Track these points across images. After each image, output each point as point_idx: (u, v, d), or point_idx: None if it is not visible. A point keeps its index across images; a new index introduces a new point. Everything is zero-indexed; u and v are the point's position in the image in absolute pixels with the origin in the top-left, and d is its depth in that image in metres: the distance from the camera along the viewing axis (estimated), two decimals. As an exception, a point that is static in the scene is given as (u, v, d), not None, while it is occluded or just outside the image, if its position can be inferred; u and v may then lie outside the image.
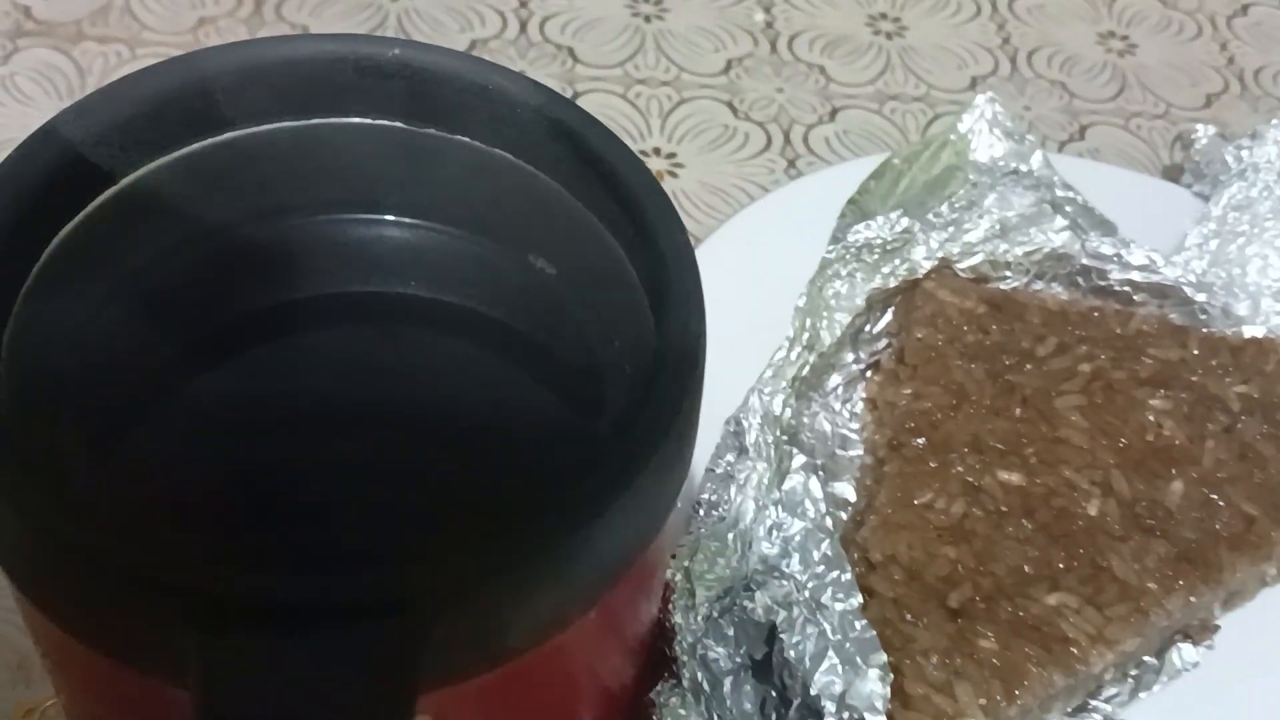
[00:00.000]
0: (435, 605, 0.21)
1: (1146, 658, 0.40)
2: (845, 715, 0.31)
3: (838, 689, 0.32)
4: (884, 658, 0.33)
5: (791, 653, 0.33)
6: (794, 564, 0.36)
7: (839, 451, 0.43)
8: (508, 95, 0.29)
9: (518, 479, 0.27)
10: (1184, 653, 0.40)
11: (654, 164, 0.53)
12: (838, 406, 0.44)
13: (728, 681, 0.34)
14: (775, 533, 0.37)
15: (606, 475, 0.23)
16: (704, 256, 0.47)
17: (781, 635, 0.33)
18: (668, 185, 0.53)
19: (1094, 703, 0.39)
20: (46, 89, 0.51)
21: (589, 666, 0.28)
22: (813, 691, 0.32)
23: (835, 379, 0.44)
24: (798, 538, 0.37)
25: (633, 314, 0.28)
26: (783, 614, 0.33)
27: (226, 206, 0.30)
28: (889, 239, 0.42)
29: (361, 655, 0.21)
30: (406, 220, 0.32)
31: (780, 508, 0.38)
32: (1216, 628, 0.41)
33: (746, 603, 0.34)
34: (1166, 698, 0.40)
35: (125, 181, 0.28)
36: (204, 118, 0.29)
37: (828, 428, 0.44)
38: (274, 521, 0.25)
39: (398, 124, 0.30)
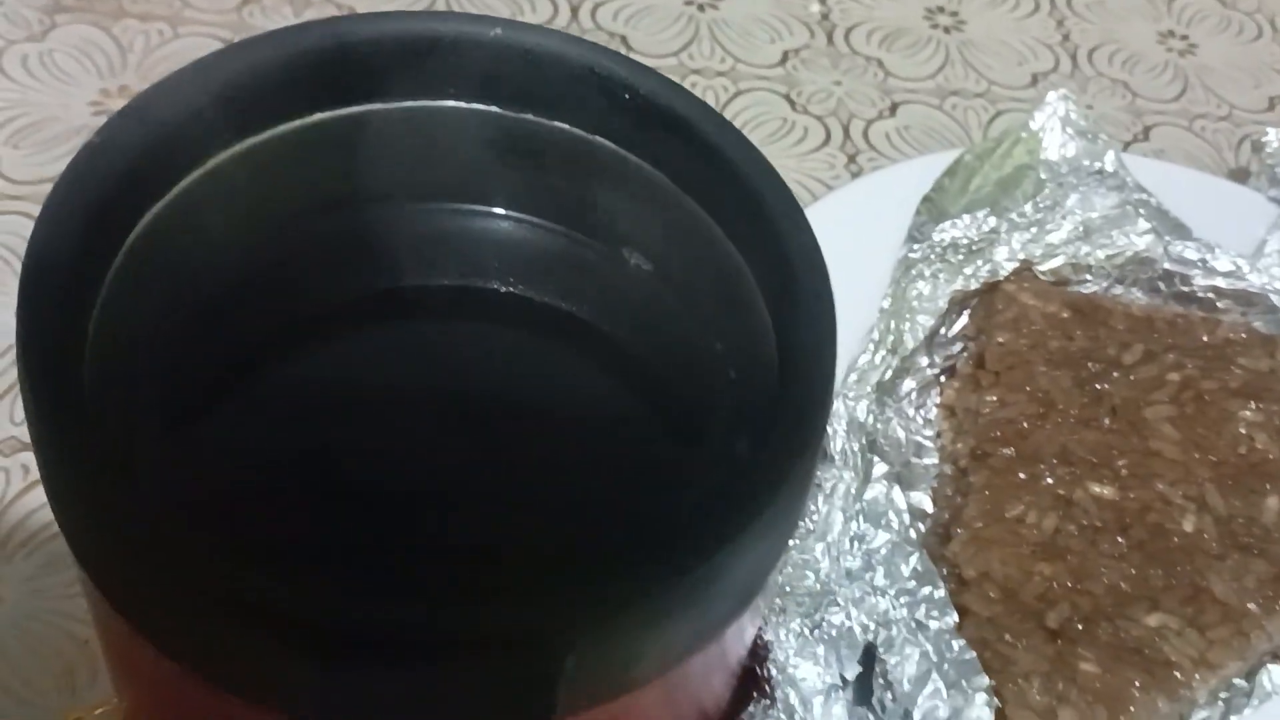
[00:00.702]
0: (572, 637, 0.19)
1: (1237, 680, 0.38)
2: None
3: (943, 714, 0.30)
4: (986, 681, 0.31)
5: (893, 675, 0.31)
6: (879, 578, 0.34)
7: (914, 460, 0.41)
8: (613, 79, 0.27)
9: (631, 497, 0.25)
10: (1274, 675, 0.39)
11: (712, 157, 0.52)
12: (911, 413, 0.43)
13: (817, 702, 0.32)
14: (856, 544, 0.36)
15: (744, 498, 0.21)
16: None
17: (882, 656, 0.31)
18: (726, 179, 0.51)
19: (1185, 727, 0.37)
20: (86, 66, 0.49)
21: (700, 693, 0.26)
22: (916, 716, 0.30)
23: (909, 384, 0.43)
24: (882, 550, 0.35)
25: (744, 318, 0.26)
26: (882, 633, 0.32)
27: (314, 190, 0.28)
28: (975, 239, 0.40)
29: (492, 686, 0.19)
30: (498, 211, 0.30)
31: (862, 518, 0.36)
32: (1306, 648, 0.40)
33: (835, 618, 0.33)
34: (1257, 717, 0.38)
35: (213, 162, 0.26)
36: (293, 98, 0.27)
37: (902, 435, 0.42)
38: (375, 538, 0.24)
39: (493, 109, 0.28)
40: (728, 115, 0.52)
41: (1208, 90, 0.60)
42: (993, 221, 0.41)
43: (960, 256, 0.41)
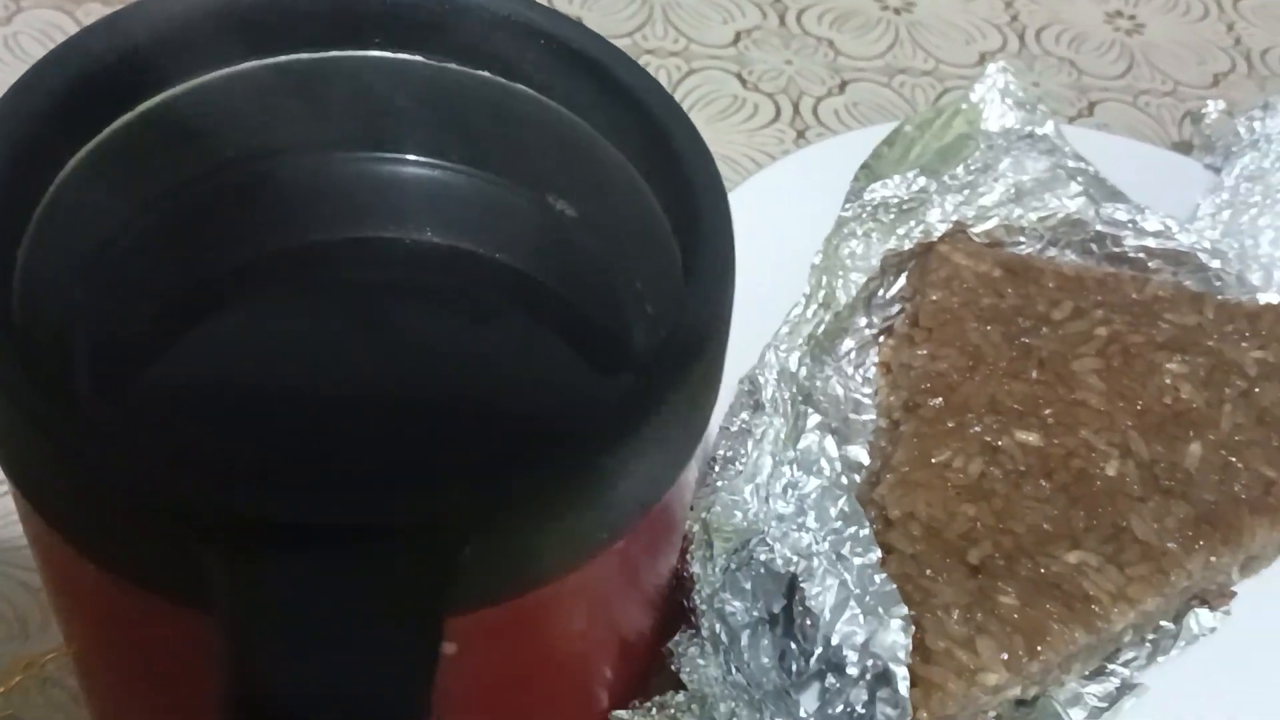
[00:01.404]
0: (466, 526, 0.21)
1: (1164, 622, 0.40)
2: (868, 664, 0.31)
3: (860, 639, 0.31)
4: (905, 609, 0.32)
5: (812, 603, 0.32)
6: (810, 521, 0.35)
7: (852, 415, 0.43)
8: (532, 26, 0.29)
9: (543, 414, 0.26)
10: (1201, 618, 0.40)
11: (663, 132, 0.53)
12: (850, 371, 0.44)
13: (745, 635, 0.33)
14: (790, 491, 0.37)
15: (637, 400, 0.22)
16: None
17: (802, 585, 0.33)
18: (676, 154, 0.52)
19: (1111, 666, 0.38)
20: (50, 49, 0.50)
21: (610, 608, 0.27)
22: (834, 642, 0.32)
23: (848, 343, 0.44)
24: (813, 495, 0.36)
25: (660, 255, 0.27)
26: (803, 564, 0.33)
27: (243, 138, 0.29)
28: (905, 198, 0.42)
29: (393, 574, 0.20)
30: (426, 159, 0.31)
31: (795, 466, 0.37)
32: (1233, 594, 0.41)
33: (764, 555, 0.34)
34: (1184, 663, 0.39)
35: (143, 107, 0.27)
36: (224, 46, 0.28)
37: (840, 391, 0.43)
38: (298, 452, 0.25)
39: (417, 58, 0.30)
40: (679, 93, 0.54)
41: (1153, 67, 0.61)
42: (922, 181, 0.42)
43: (891, 216, 0.42)
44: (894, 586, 0.33)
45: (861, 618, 0.32)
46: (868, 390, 0.43)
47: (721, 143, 0.53)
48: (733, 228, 0.25)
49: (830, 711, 0.32)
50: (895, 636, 0.31)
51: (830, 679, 0.32)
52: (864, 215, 0.41)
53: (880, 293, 0.44)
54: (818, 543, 0.34)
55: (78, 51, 0.26)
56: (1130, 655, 0.39)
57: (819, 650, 0.32)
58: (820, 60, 0.58)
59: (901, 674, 0.31)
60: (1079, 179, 0.45)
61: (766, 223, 0.46)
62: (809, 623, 0.32)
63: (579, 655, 0.28)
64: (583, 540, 0.23)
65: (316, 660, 0.20)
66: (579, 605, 0.25)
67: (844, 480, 0.37)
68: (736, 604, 0.34)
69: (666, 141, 0.27)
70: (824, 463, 0.38)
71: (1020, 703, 0.37)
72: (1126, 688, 0.38)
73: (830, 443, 0.38)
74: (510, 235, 0.31)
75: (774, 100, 0.56)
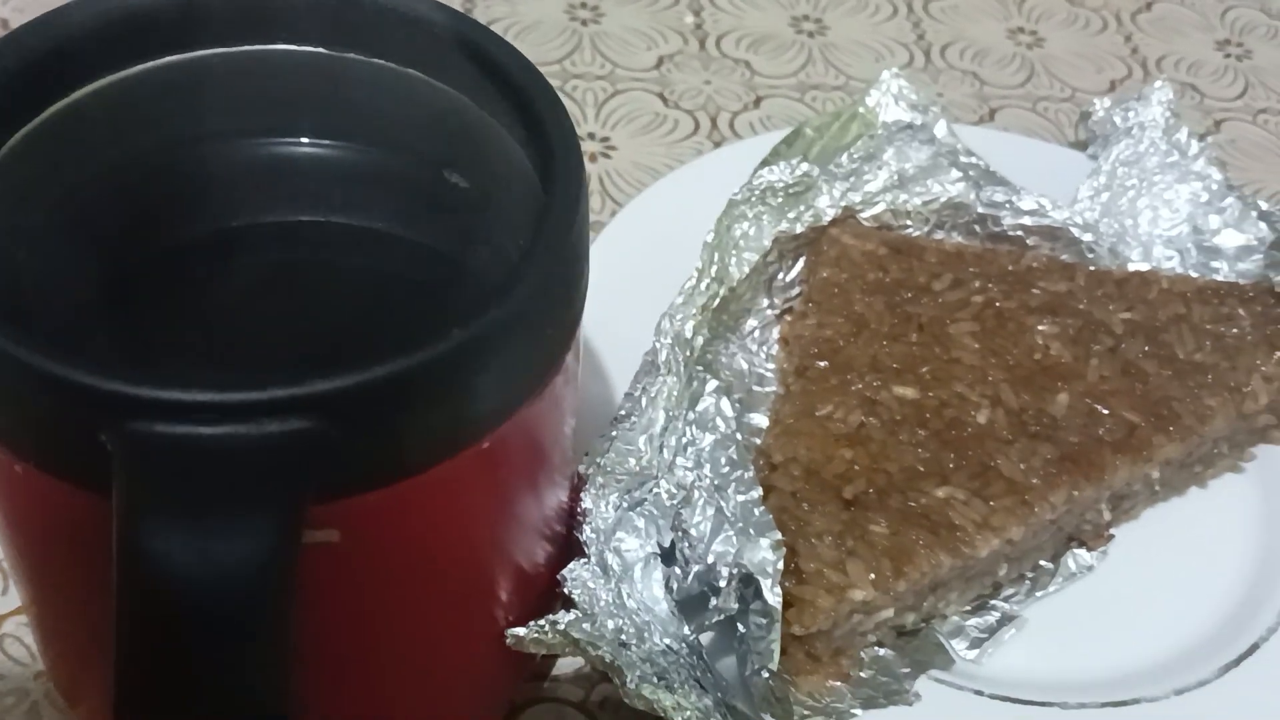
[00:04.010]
0: (325, 406, 0.24)
1: (1043, 562, 0.43)
2: (737, 573, 0.34)
3: (731, 557, 0.35)
4: (779, 535, 0.35)
5: (692, 530, 0.36)
6: (705, 471, 0.39)
7: (755, 388, 0.46)
8: (415, 16, 0.33)
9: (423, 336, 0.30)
10: (1079, 558, 0.43)
11: (589, 147, 0.57)
12: (754, 348, 0.47)
13: (638, 568, 0.37)
14: (689, 449, 0.40)
15: (488, 302, 0.26)
16: (631, 214, 0.51)
17: (682, 512, 0.36)
18: (601, 165, 0.57)
19: (993, 602, 0.42)
20: None
21: (489, 517, 0.31)
22: (710, 561, 0.35)
23: (752, 322, 0.48)
24: (707, 449, 0.40)
25: (532, 208, 0.31)
26: (682, 495, 0.36)
27: (156, 131, 0.33)
28: (790, 182, 0.45)
29: (257, 449, 0.24)
30: (327, 142, 0.35)
31: (694, 427, 0.41)
32: (1111, 536, 0.44)
33: (652, 493, 0.37)
34: (1063, 599, 0.42)
35: (56, 106, 0.31)
36: (134, 46, 0.32)
37: (745, 366, 0.47)
38: (195, 360, 0.28)
39: (320, 50, 0.34)
40: (604, 112, 0.58)
41: (1052, 76, 0.65)
42: (805, 167, 0.46)
43: (779, 199, 0.46)
44: (769, 517, 0.36)
45: (735, 539, 0.35)
46: (770, 365, 0.47)
47: (644, 154, 0.57)
48: (581, 157, 0.29)
49: (708, 623, 0.35)
50: (765, 554, 0.34)
51: (709, 597, 0.35)
52: (753, 199, 0.45)
53: (780, 276, 0.48)
54: (700, 480, 0.37)
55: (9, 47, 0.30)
56: (1010, 591, 0.42)
57: (697, 569, 0.35)
58: (737, 80, 0.62)
59: (768, 584, 0.34)
60: (961, 167, 0.49)
61: (678, 213, 0.50)
62: (689, 546, 0.35)
63: (466, 565, 0.31)
64: (446, 431, 0.26)
65: (187, 533, 0.23)
66: (452, 505, 0.29)
67: (738, 437, 0.41)
68: (630, 541, 0.37)
69: (530, 105, 0.31)
70: (720, 421, 0.41)
71: (903, 633, 0.40)
72: (1006, 619, 0.41)
73: (726, 404, 0.41)
74: (407, 206, 0.35)
75: (694, 116, 0.60)
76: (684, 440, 0.40)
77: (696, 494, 0.36)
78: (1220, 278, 0.50)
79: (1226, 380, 0.44)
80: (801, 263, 0.48)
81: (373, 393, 0.24)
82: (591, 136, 0.58)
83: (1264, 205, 0.51)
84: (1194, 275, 0.49)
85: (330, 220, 0.34)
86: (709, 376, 0.43)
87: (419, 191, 0.35)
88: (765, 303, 0.48)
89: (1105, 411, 0.42)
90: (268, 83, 0.34)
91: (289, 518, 0.24)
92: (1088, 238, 0.49)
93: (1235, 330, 0.45)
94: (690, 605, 0.36)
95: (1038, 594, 0.42)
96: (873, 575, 0.36)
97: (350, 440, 0.25)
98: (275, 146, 0.35)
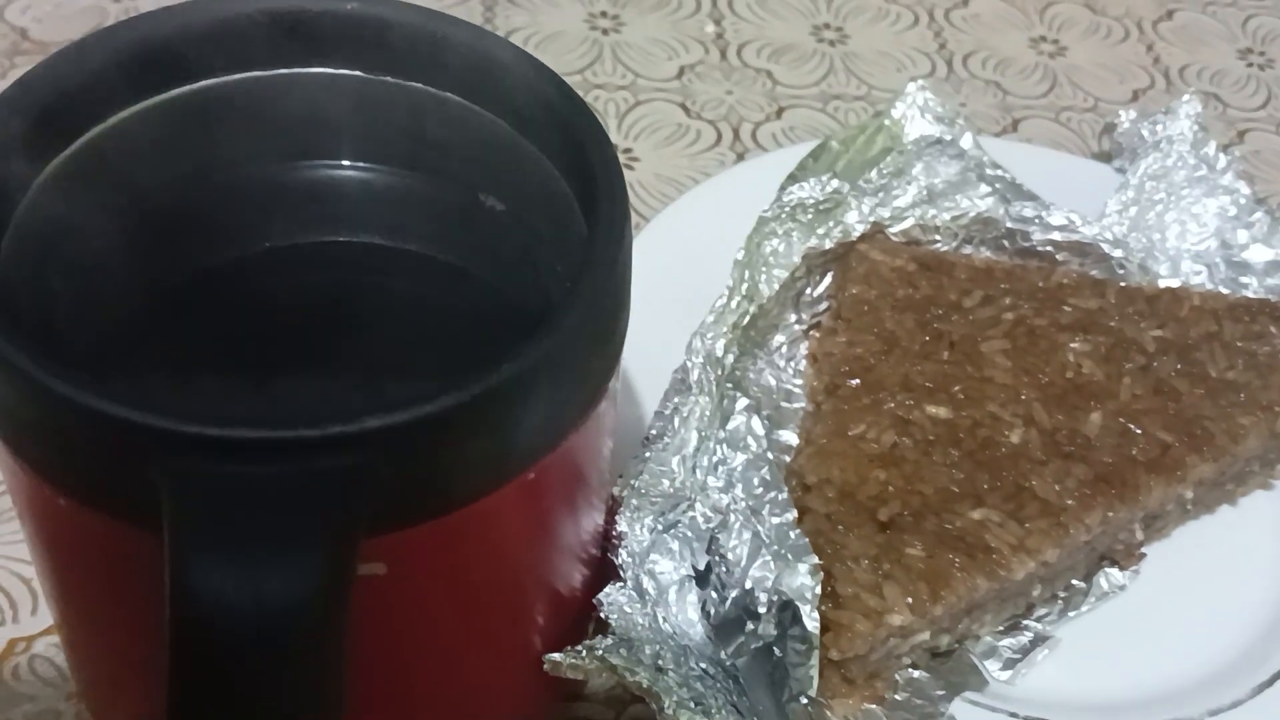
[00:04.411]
0: (377, 443, 0.24)
1: (1075, 581, 0.43)
2: (776, 600, 0.34)
3: (770, 582, 0.34)
4: (816, 559, 0.35)
5: (729, 554, 0.35)
6: (737, 492, 0.39)
7: (784, 404, 0.46)
8: (454, 41, 0.32)
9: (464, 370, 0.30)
10: (1111, 577, 0.43)
11: (611, 158, 0.57)
12: (782, 364, 0.47)
13: (673, 591, 0.36)
14: (720, 468, 0.40)
15: (531, 338, 0.26)
16: (657, 228, 0.51)
17: (718, 536, 0.36)
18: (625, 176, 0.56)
19: (1026, 622, 0.41)
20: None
21: (531, 544, 0.30)
22: (748, 586, 0.35)
23: (779, 338, 0.47)
24: (739, 469, 0.40)
25: (572, 235, 0.31)
26: (718, 519, 0.36)
27: (190, 157, 0.33)
28: (820, 199, 0.45)
29: (309, 486, 0.23)
30: (364, 165, 0.35)
31: (725, 446, 0.41)
32: (1143, 555, 0.44)
33: (688, 516, 0.37)
34: (1096, 618, 0.42)
35: (91, 133, 0.31)
36: (171, 70, 0.32)
37: (773, 382, 0.47)
38: (242, 393, 0.28)
39: (356, 73, 0.33)
40: (626, 123, 0.58)
41: (1075, 86, 0.65)
42: (835, 184, 0.46)
43: (809, 216, 0.45)
44: (805, 540, 0.36)
45: (773, 563, 0.35)
46: (799, 381, 0.47)
47: (666, 166, 0.57)
48: (625, 187, 0.29)
49: (745, 648, 0.35)
50: (803, 579, 0.34)
51: (746, 621, 0.35)
52: (783, 215, 0.45)
53: (808, 291, 0.48)
54: (736, 503, 0.37)
55: (54, 69, 0.30)
56: (1043, 611, 0.42)
57: (734, 594, 0.35)
58: (759, 90, 0.62)
59: (807, 610, 0.33)
60: (989, 181, 0.49)
61: (705, 228, 0.49)
62: (725, 570, 0.35)
63: (506, 594, 0.31)
64: (494, 465, 0.26)
65: (238, 570, 0.23)
66: (496, 536, 0.28)
67: (770, 456, 0.40)
68: (665, 563, 0.37)
69: (570, 131, 0.31)
70: (750, 440, 0.41)
71: (937, 654, 0.40)
72: (1039, 640, 0.41)
73: (757, 422, 0.41)
74: (445, 230, 0.35)
75: (715, 127, 0.60)
76: (715, 459, 0.40)
77: (733, 517, 0.36)
78: (1250, 293, 0.50)
79: (1259, 398, 0.44)
80: (829, 278, 0.48)
81: (424, 429, 0.24)
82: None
83: (1295, 221, 0.51)
84: (1223, 291, 0.49)
85: (369, 244, 0.34)
86: (739, 394, 0.42)
87: (458, 216, 0.34)
88: (793, 318, 0.48)
89: (1138, 431, 0.42)
90: (304, 106, 0.34)
91: (340, 552, 0.24)
92: (1118, 254, 0.49)
93: (1267, 348, 0.45)
94: (726, 630, 0.36)
95: (1070, 614, 0.42)
96: (910, 599, 0.36)
97: (400, 475, 0.24)
98: (311, 170, 0.34)
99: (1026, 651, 0.41)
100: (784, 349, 0.47)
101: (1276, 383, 0.44)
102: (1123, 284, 0.48)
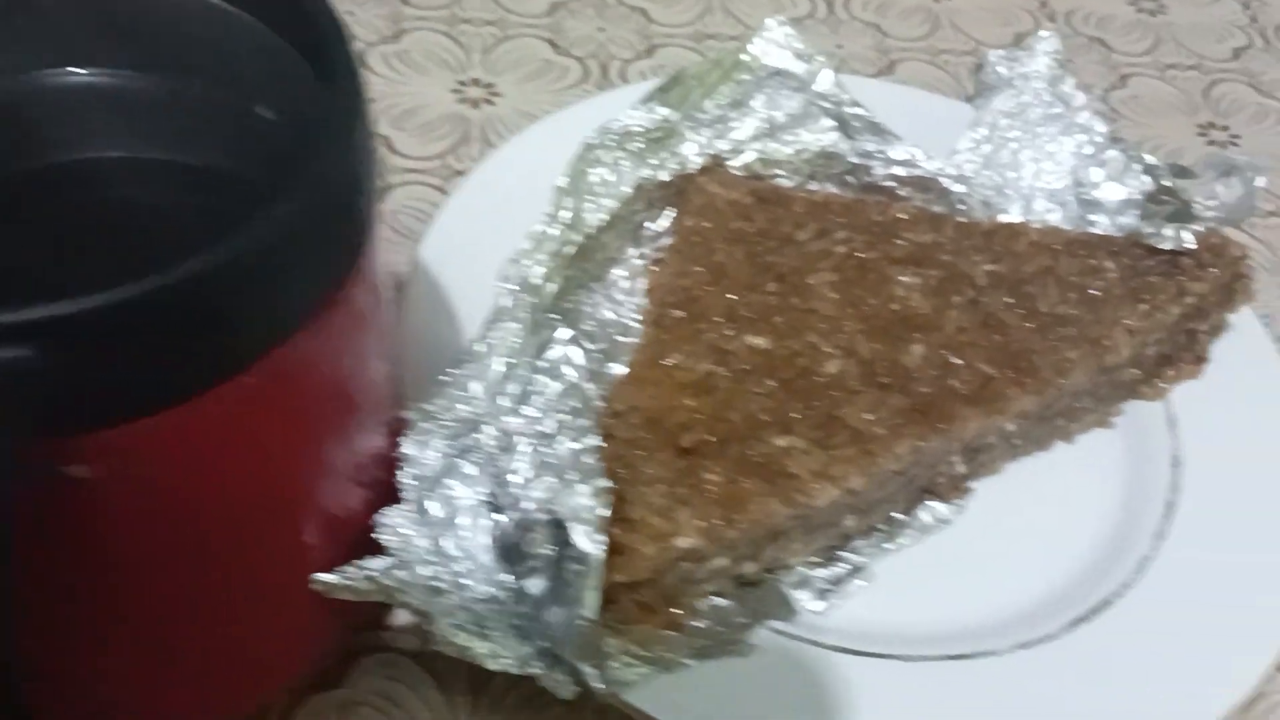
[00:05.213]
0: (44, 333, 0.23)
1: (896, 514, 0.42)
2: (550, 520, 0.33)
3: (550, 503, 0.34)
4: (604, 482, 0.35)
5: (510, 477, 0.35)
6: (536, 417, 0.38)
7: (619, 338, 0.45)
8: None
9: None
10: (934, 510, 0.43)
11: (471, 93, 0.56)
12: (621, 298, 0.47)
13: (466, 516, 0.36)
14: (536, 398, 0.39)
15: (235, 227, 0.25)
16: (501, 158, 0.50)
17: (501, 459, 0.35)
18: (484, 111, 0.56)
19: (842, 553, 0.41)
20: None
21: (280, 464, 0.30)
22: (527, 507, 0.34)
23: (619, 272, 0.47)
24: (554, 398, 0.39)
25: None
26: (507, 441, 0.35)
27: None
28: (649, 127, 0.45)
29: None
30: (103, 72, 0.33)
31: (546, 376, 0.40)
32: (969, 489, 0.44)
33: (481, 441, 0.36)
34: (917, 553, 0.42)
35: None
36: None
37: (611, 315, 0.46)
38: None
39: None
40: (491, 58, 0.57)
41: (956, 29, 0.64)
42: (665, 112, 0.45)
43: (639, 145, 0.45)
44: (597, 464, 0.35)
45: (555, 486, 0.34)
46: (638, 316, 0.46)
47: (528, 101, 0.56)
48: (353, 62, 0.28)
49: (531, 572, 0.34)
50: (581, 499, 0.33)
51: (525, 542, 0.34)
52: (610, 143, 0.44)
53: (649, 226, 0.47)
54: (529, 427, 0.36)
55: None
56: (861, 543, 0.42)
57: (514, 516, 0.34)
58: (632, 28, 0.61)
59: (585, 530, 0.33)
60: (832, 116, 0.48)
61: (552, 159, 0.48)
62: (506, 493, 0.35)
63: (258, 506, 0.30)
64: (194, 364, 0.25)
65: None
66: (223, 441, 0.27)
67: (587, 386, 0.40)
68: (461, 488, 0.36)
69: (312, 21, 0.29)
70: (568, 369, 0.40)
71: (745, 583, 0.39)
72: (855, 571, 0.41)
73: (577, 352, 0.41)
74: (192, 130, 0.33)
75: (584, 64, 0.59)
76: (531, 389, 0.40)
77: (519, 440, 0.36)
78: (1099, 231, 0.49)
79: (1089, 333, 0.43)
80: (670, 212, 0.47)
81: (91, 321, 0.23)
82: (476, 82, 0.57)
83: (1149, 159, 0.50)
84: (1071, 229, 0.49)
85: (109, 154, 0.33)
86: (562, 324, 0.42)
87: (203, 118, 0.33)
88: (634, 252, 0.47)
89: (960, 363, 0.42)
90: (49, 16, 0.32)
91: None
92: (959, 189, 0.48)
93: (1101, 283, 0.45)
94: (511, 553, 0.35)
95: (889, 546, 0.42)
96: (701, 523, 0.36)
97: (82, 371, 0.24)
98: (47, 79, 0.33)
99: (841, 582, 0.40)
100: (624, 283, 0.47)
101: (1108, 317, 0.44)
102: (961, 219, 0.47)
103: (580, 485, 0.34)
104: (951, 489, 0.43)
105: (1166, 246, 0.45)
